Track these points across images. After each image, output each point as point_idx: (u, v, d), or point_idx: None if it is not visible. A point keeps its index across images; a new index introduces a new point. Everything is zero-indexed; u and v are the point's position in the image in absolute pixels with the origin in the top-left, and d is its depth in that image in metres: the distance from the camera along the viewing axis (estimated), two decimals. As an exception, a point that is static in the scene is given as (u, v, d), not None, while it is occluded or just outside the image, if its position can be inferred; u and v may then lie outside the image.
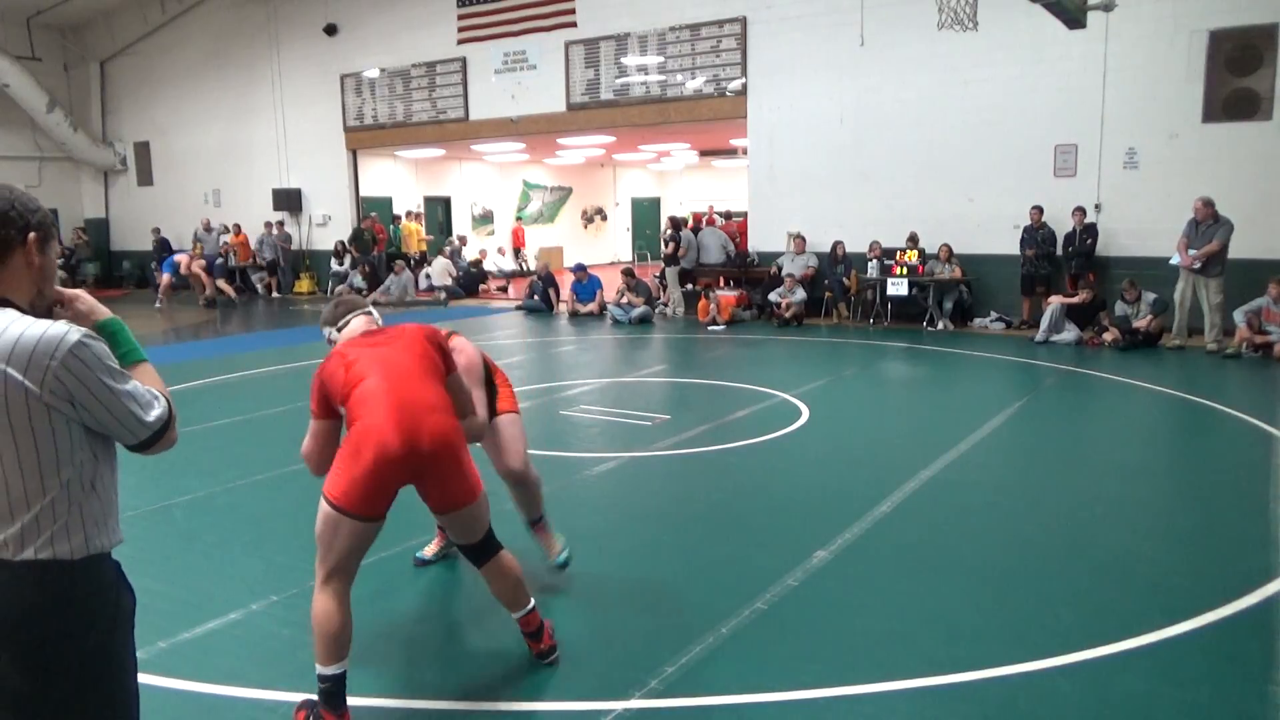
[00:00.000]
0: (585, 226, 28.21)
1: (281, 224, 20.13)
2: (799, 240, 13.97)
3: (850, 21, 13.29)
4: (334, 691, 3.02)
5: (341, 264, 18.98)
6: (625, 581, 4.33)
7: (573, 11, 16.00)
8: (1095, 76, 11.84)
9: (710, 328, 13.35)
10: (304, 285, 19.85)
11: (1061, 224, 12.10)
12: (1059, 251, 11.96)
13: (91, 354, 1.78)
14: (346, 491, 3.00)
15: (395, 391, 3.07)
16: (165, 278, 17.80)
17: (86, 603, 1.82)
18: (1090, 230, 11.75)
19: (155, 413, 1.88)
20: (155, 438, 1.88)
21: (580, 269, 15.16)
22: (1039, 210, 12.07)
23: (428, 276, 18.61)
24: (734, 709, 3.15)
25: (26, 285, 1.86)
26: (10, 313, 1.78)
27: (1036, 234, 12.11)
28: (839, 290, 13.54)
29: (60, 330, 1.76)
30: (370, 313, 3.53)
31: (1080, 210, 11.73)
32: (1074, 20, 9.23)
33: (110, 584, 1.88)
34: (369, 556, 4.53)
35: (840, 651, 3.55)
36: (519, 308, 16.34)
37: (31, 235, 1.85)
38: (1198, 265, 10.30)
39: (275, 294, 19.77)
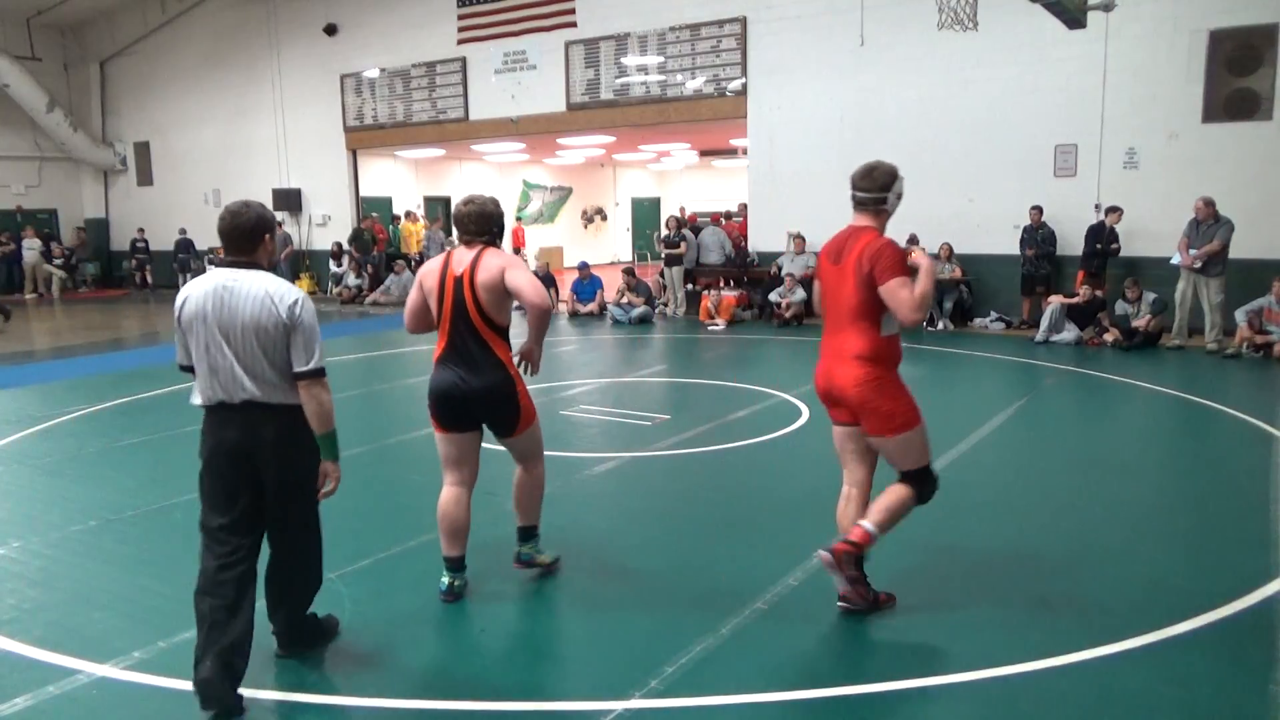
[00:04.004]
0: (585, 226, 28.21)
1: (281, 224, 20.14)
2: (799, 240, 13.96)
3: (850, 21, 13.30)
4: None
5: (340, 264, 19.00)
6: (625, 581, 4.33)
7: (573, 11, 16.00)
8: (1095, 76, 11.84)
9: (710, 328, 13.35)
10: (304, 285, 19.84)
11: (1062, 224, 12.09)
12: (1084, 249, 11.66)
13: (308, 306, 3.24)
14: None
15: None
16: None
17: (301, 427, 3.25)
18: (1113, 232, 11.62)
19: (320, 362, 3.23)
20: (314, 375, 3.21)
21: (584, 267, 15.17)
22: (1039, 210, 12.06)
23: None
24: (734, 709, 3.15)
25: (265, 259, 3.29)
26: (263, 272, 3.24)
27: (1036, 234, 12.11)
28: (839, 290, 13.50)
29: (290, 285, 3.25)
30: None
31: (1117, 210, 11.49)
32: (1074, 20, 9.23)
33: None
34: (369, 556, 4.54)
35: (840, 651, 3.55)
36: (518, 308, 16.26)
37: (267, 235, 3.28)
38: (1198, 265, 10.30)
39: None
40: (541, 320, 3.87)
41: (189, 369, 3.27)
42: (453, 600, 4.03)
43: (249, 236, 3.22)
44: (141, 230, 22.00)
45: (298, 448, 3.25)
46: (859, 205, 3.74)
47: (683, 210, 20.76)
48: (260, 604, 3.35)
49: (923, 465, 3.74)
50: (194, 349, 3.20)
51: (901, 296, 3.49)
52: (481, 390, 3.83)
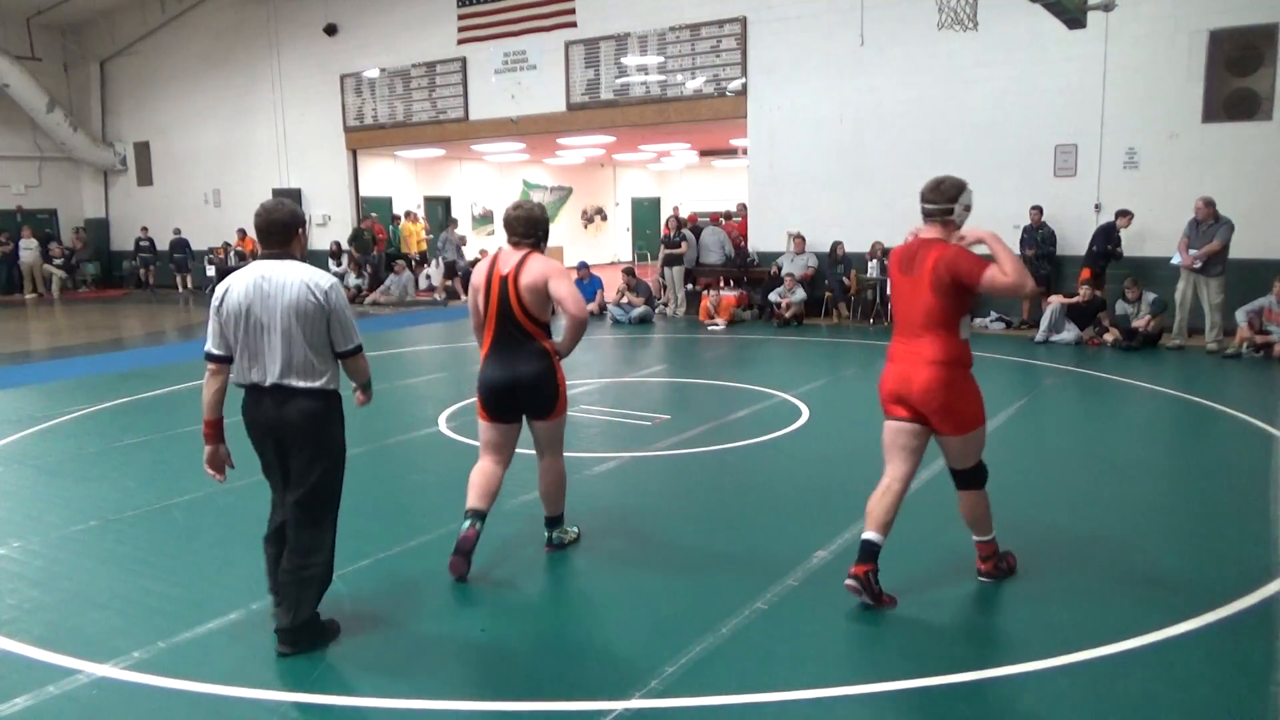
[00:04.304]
0: (585, 226, 28.20)
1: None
2: (799, 240, 13.96)
3: (850, 21, 13.30)
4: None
5: (340, 264, 18.99)
6: (625, 581, 4.33)
7: (573, 11, 16.00)
8: (1095, 76, 11.84)
9: (710, 328, 13.36)
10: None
11: (1062, 224, 12.10)
12: (1094, 248, 11.62)
13: (339, 291, 3.54)
14: None
15: None
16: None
17: (324, 411, 3.56)
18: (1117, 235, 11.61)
19: (357, 339, 3.59)
20: (355, 351, 3.58)
21: (584, 267, 15.16)
22: (1039, 210, 12.06)
23: (428, 277, 18.61)
24: (734, 709, 3.15)
25: (299, 251, 3.56)
26: (297, 263, 3.51)
27: (1036, 234, 12.11)
28: (839, 290, 13.54)
29: (322, 273, 3.51)
30: None
31: (1127, 214, 11.42)
32: (1074, 20, 9.22)
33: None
34: (369, 556, 4.54)
35: (840, 651, 3.55)
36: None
37: (300, 229, 3.56)
38: (1198, 265, 10.30)
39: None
40: (579, 330, 4.21)
41: (218, 358, 3.49)
42: (471, 538, 4.20)
43: (283, 231, 3.51)
44: (145, 229, 21.98)
45: (320, 429, 3.52)
46: (928, 217, 3.92)
47: (676, 210, 20.69)
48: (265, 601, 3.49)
49: (979, 460, 4.05)
50: (234, 336, 3.46)
51: (1001, 281, 3.68)
52: (527, 377, 4.18)
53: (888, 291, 12.87)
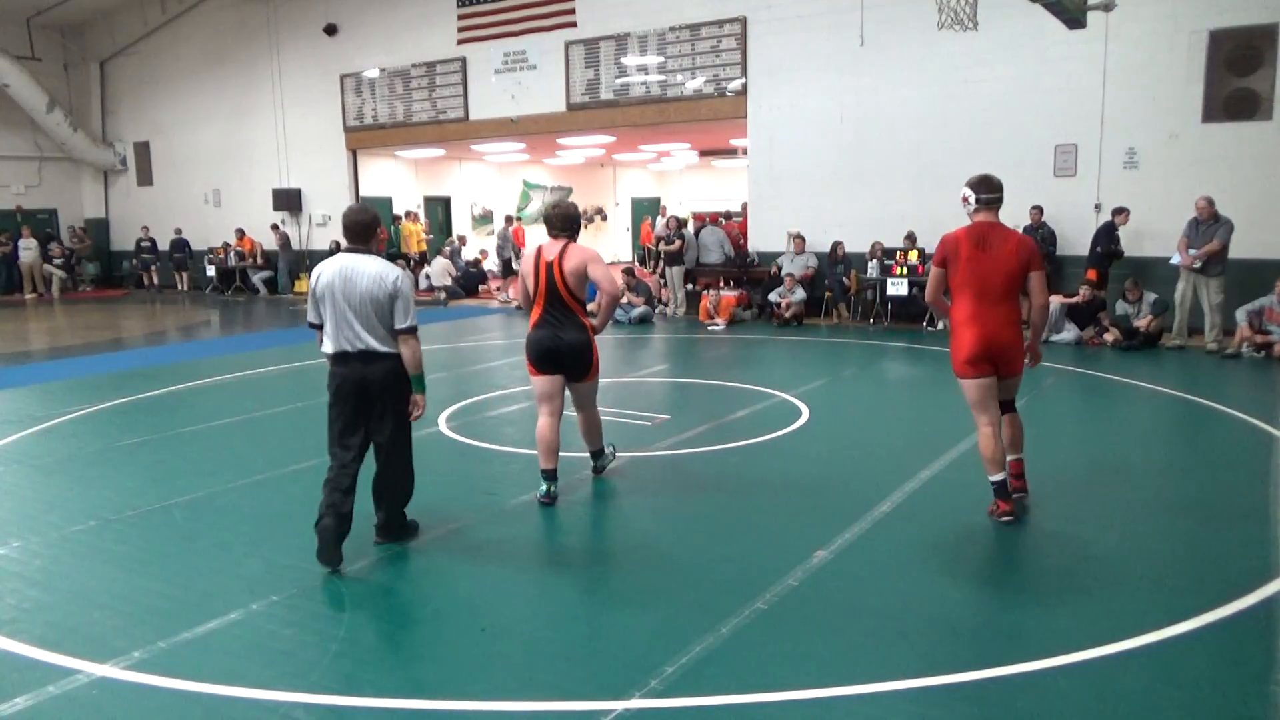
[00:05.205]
0: (585, 226, 28.19)
1: (280, 224, 20.17)
2: (799, 240, 13.96)
3: (850, 21, 13.30)
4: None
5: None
6: (625, 581, 4.33)
7: (573, 11, 16.00)
8: (1095, 76, 11.84)
9: (710, 328, 13.36)
10: (303, 285, 19.85)
11: (1062, 224, 12.10)
12: (1096, 248, 11.59)
13: (406, 281, 4.40)
14: None
15: None
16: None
17: (398, 370, 4.44)
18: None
19: (414, 321, 4.39)
20: (407, 331, 4.38)
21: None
22: (1039, 210, 12.06)
23: (427, 276, 18.62)
24: (734, 709, 3.15)
25: (376, 246, 4.45)
26: (374, 256, 4.39)
27: (1036, 234, 12.08)
28: (839, 290, 13.54)
29: (392, 265, 4.40)
30: None
31: (1124, 211, 11.42)
32: (1074, 20, 9.22)
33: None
34: (369, 556, 4.54)
35: (840, 651, 3.55)
36: (518, 308, 16.34)
37: (378, 229, 4.47)
38: (1198, 265, 10.29)
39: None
40: (613, 304, 5.39)
41: (318, 326, 4.46)
42: (550, 503, 5.26)
43: (365, 231, 4.44)
44: (146, 229, 21.96)
45: (396, 385, 4.42)
46: (988, 205, 4.84)
47: (664, 210, 20.76)
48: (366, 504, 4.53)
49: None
50: (324, 311, 4.39)
51: (1043, 282, 4.86)
52: (568, 344, 5.19)
53: (888, 291, 12.88)
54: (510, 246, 19.23)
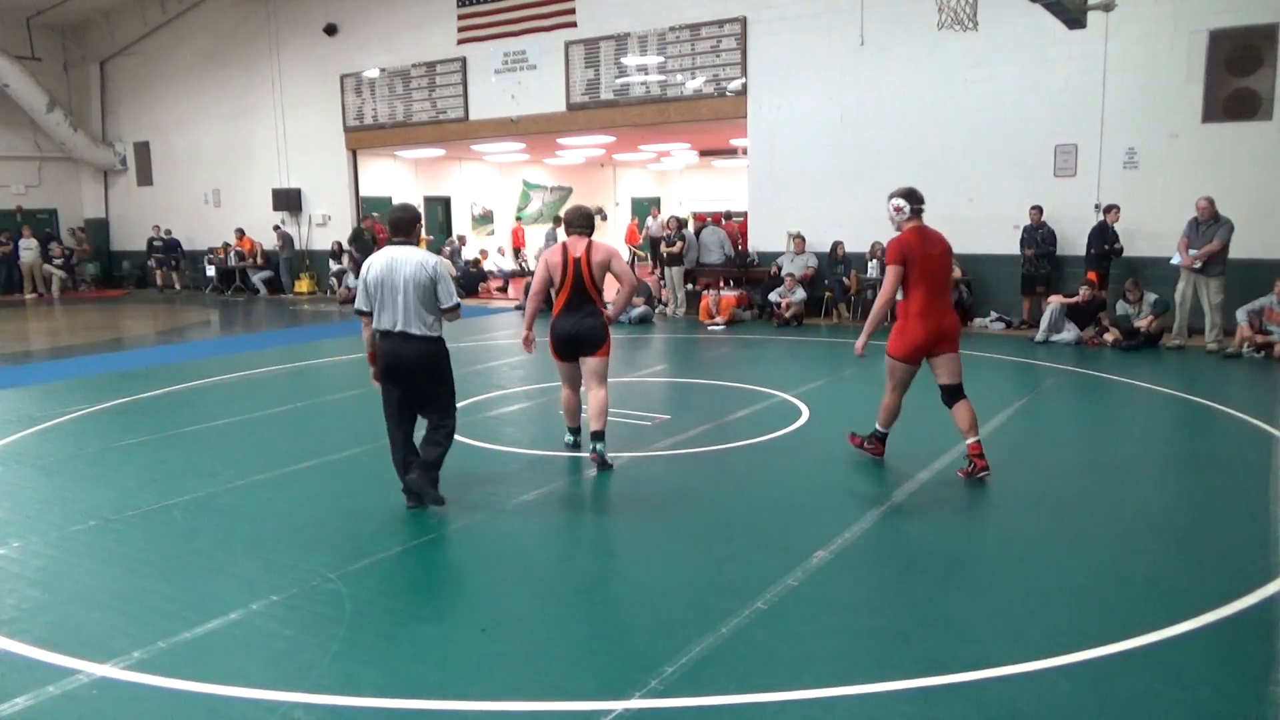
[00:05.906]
0: (588, 226, 28.15)
1: (281, 224, 20.17)
2: (799, 240, 13.96)
3: (850, 21, 13.30)
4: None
5: (339, 264, 19.01)
6: (625, 581, 4.33)
7: (573, 11, 15.99)
8: (1095, 76, 11.84)
9: (710, 328, 13.36)
10: (304, 285, 19.85)
11: (1062, 224, 12.09)
12: (1091, 250, 11.61)
13: (444, 265, 5.15)
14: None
15: None
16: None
17: (438, 350, 5.14)
18: (1114, 231, 11.61)
19: (455, 301, 5.14)
20: (452, 309, 5.11)
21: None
22: (1039, 210, 12.06)
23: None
24: (734, 709, 3.15)
25: (417, 239, 5.16)
26: (416, 248, 5.13)
27: (1036, 234, 12.11)
28: (839, 290, 13.54)
29: (432, 254, 5.16)
30: None
31: (1114, 208, 11.46)
32: (1074, 20, 9.22)
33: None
34: (369, 556, 4.54)
35: (840, 651, 3.55)
36: (518, 308, 16.35)
37: (418, 225, 5.28)
38: (1198, 265, 10.30)
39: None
40: (631, 293, 6.20)
41: (364, 313, 5.09)
42: (573, 450, 6.41)
43: (408, 226, 5.17)
44: (157, 228, 21.85)
45: (435, 363, 5.12)
46: (917, 214, 5.78)
47: (655, 211, 20.76)
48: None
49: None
50: (375, 297, 5.03)
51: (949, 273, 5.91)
52: (588, 328, 5.97)
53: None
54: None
